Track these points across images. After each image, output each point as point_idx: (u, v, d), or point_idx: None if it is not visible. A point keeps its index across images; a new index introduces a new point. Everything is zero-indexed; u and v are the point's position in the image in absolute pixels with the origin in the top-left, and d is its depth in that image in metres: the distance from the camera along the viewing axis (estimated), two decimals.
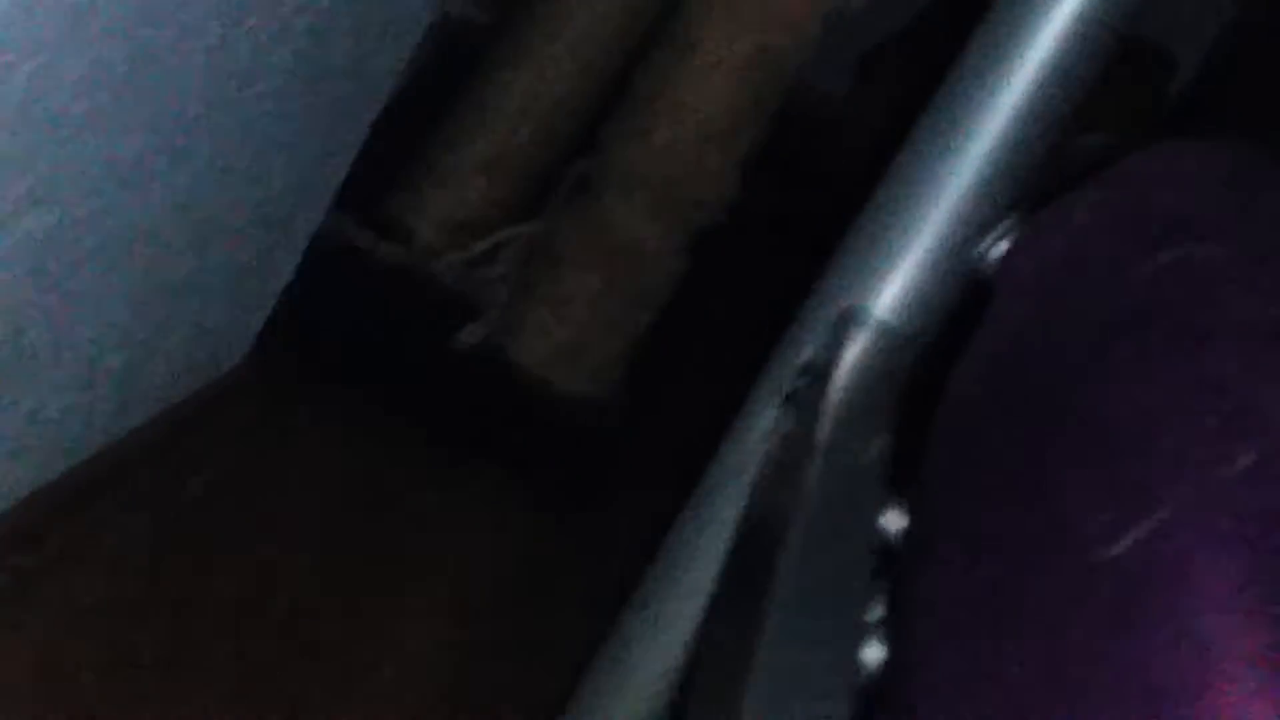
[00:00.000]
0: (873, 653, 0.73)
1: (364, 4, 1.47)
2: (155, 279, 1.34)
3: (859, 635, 0.74)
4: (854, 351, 1.00)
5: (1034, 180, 1.05)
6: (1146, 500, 0.54)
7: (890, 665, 0.73)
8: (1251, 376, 0.58)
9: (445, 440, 1.86)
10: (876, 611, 0.77)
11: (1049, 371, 0.75)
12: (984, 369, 0.89)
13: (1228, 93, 2.94)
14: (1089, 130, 2.84)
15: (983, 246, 1.02)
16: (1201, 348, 0.61)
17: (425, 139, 2.09)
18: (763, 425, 1.05)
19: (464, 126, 2.09)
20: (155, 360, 1.44)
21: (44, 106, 1.00)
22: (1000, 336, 0.88)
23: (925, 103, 1.11)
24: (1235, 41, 3.00)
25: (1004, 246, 1.01)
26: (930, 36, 3.06)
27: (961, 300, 1.05)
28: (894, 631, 0.75)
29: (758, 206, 2.16)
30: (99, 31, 1.02)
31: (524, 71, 2.09)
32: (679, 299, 2.05)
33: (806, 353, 1.04)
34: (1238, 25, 3.02)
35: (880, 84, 3.17)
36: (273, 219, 1.54)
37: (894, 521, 0.89)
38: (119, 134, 1.13)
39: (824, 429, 0.94)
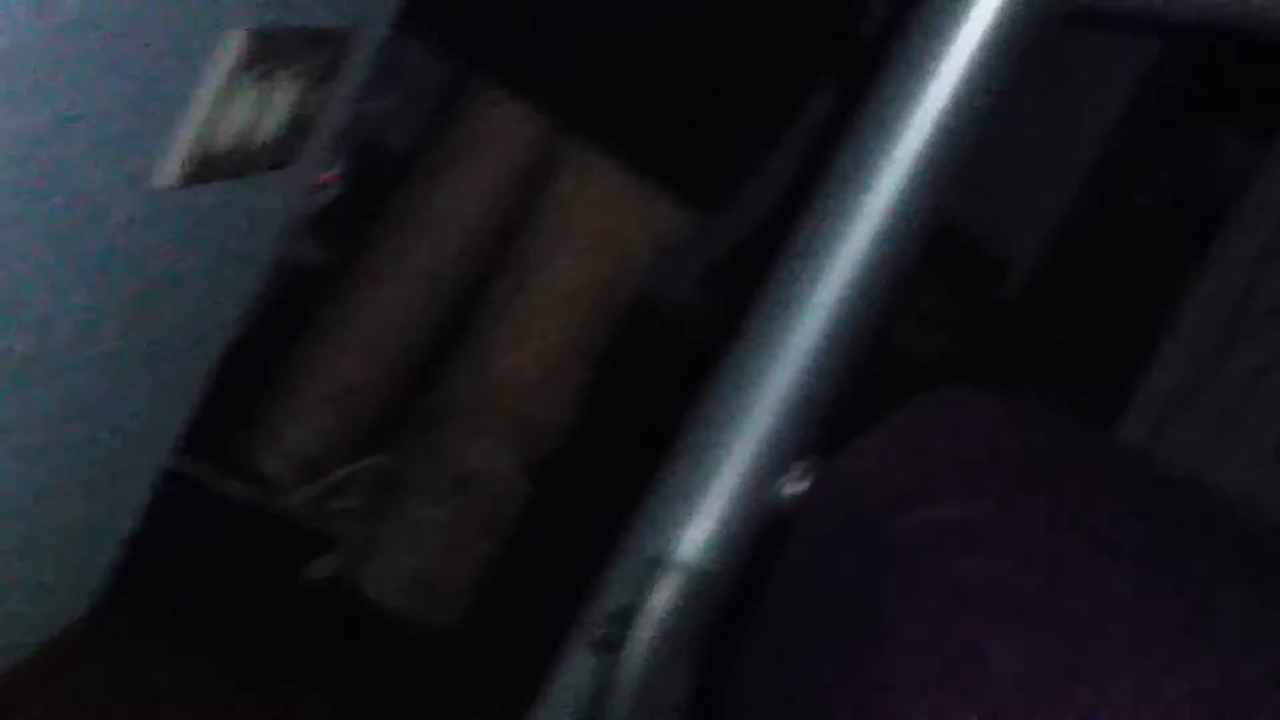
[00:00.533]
0: None
1: (198, 261, 1.51)
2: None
3: None
4: (659, 596, 1.03)
5: (835, 408, 1.10)
6: None
7: None
8: (980, 634, 0.63)
9: (294, 678, 1.87)
10: None
11: (821, 627, 0.79)
12: (774, 613, 0.93)
13: (1055, 291, 3.04)
14: (927, 334, 2.92)
15: (783, 484, 1.07)
16: (935, 610, 0.66)
17: (270, 378, 2.13)
18: (578, 670, 1.08)
19: (311, 362, 2.13)
20: None
21: None
22: (786, 582, 0.93)
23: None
24: (1067, 248, 3.11)
25: (798, 486, 1.06)
26: (760, 248, 3.15)
27: (767, 537, 1.09)
28: None
29: (603, 426, 2.20)
30: None
31: (365, 308, 2.14)
32: (524, 526, 2.09)
33: (620, 598, 1.08)
34: (1069, 232, 3.13)
35: (721, 293, 3.24)
36: (113, 472, 1.56)
37: None
38: None
39: (630, 672, 0.98)
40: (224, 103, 1.35)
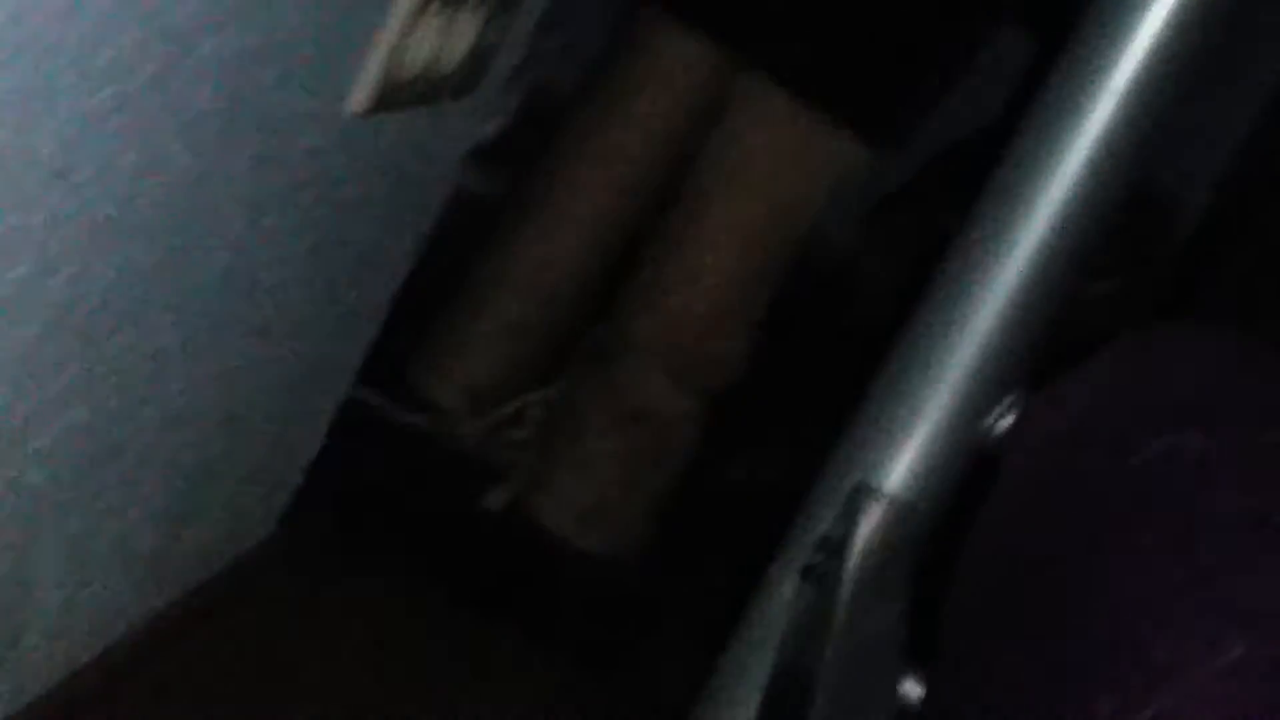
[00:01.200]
0: None
1: (382, 188, 1.51)
2: (185, 464, 1.37)
3: None
4: (867, 526, 1.02)
5: (1040, 348, 1.08)
6: (1145, 691, 0.57)
7: None
8: (1236, 569, 0.61)
9: (472, 606, 1.88)
10: None
11: (1050, 555, 0.77)
12: (991, 546, 0.92)
13: (1228, 243, 2.98)
14: (1098, 277, 2.88)
15: (989, 421, 1.05)
16: (1190, 541, 0.64)
17: (443, 310, 2.14)
18: (782, 598, 1.07)
19: (481, 296, 2.14)
20: (185, 540, 1.47)
21: (78, 310, 1.04)
22: (1005, 515, 0.91)
23: (932, 265, 1.14)
24: (1238, 189, 3.04)
25: (1009, 421, 1.04)
26: (936, 188, 3.12)
27: (971, 473, 1.07)
28: None
29: (774, 362, 2.19)
30: (126, 238, 1.06)
31: (538, 242, 2.13)
32: (700, 460, 2.08)
33: (822, 527, 1.07)
34: (1239, 173, 3.06)
35: (889, 234, 3.21)
36: (297, 398, 1.58)
37: (912, 690, 0.91)
38: (148, 331, 1.16)
39: (842, 602, 0.97)
40: (411, 32, 1.35)
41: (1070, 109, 1.02)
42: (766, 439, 2.38)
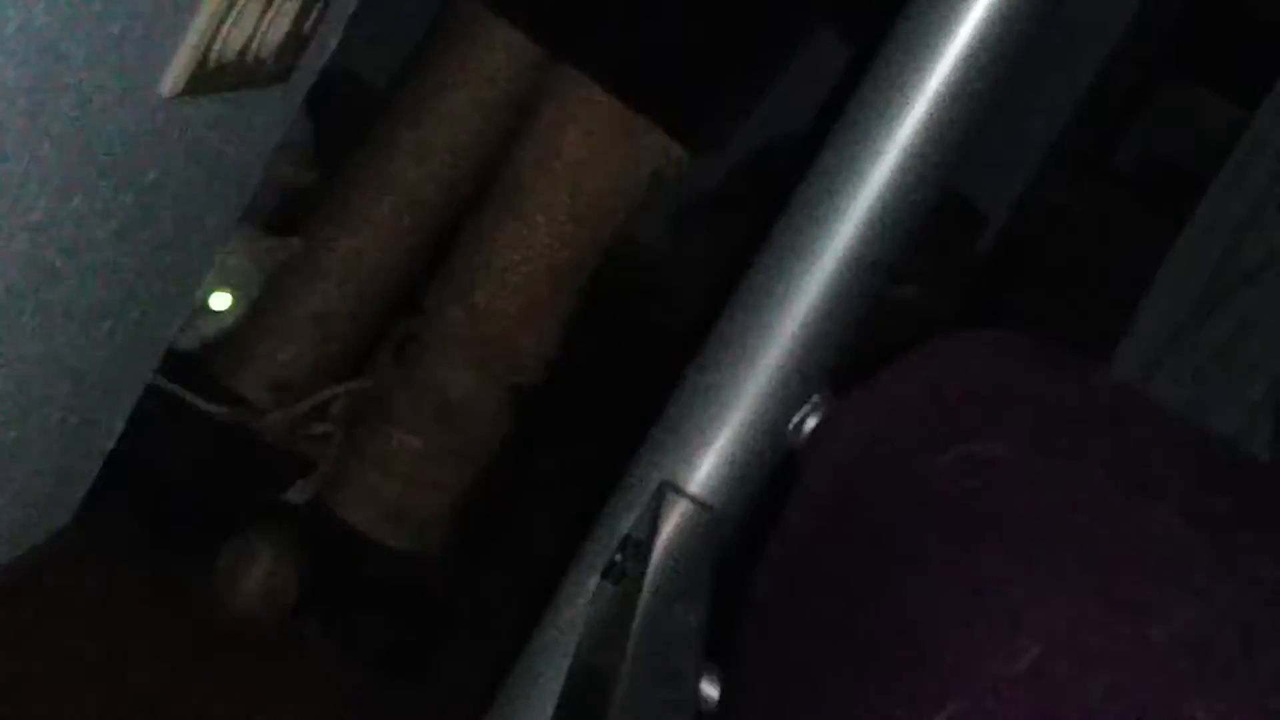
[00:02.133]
0: None
1: (190, 174, 1.49)
2: None
3: None
4: (670, 526, 1.03)
5: (845, 351, 1.09)
6: (938, 695, 0.58)
7: None
8: (1028, 572, 0.62)
9: None
10: None
11: (846, 560, 0.79)
12: (789, 550, 0.93)
13: (1031, 248, 3.05)
14: (901, 282, 2.93)
15: (793, 423, 1.06)
16: (979, 547, 0.65)
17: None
18: (582, 597, 1.07)
19: (289, 287, 2.11)
20: None
21: None
22: (804, 520, 0.93)
23: (739, 269, 1.14)
24: (1040, 199, 3.11)
25: (812, 424, 1.06)
26: (745, 192, 3.15)
27: (774, 474, 1.08)
28: None
29: (581, 361, 2.20)
30: None
31: (348, 232, 2.12)
32: (504, 457, 2.08)
33: (624, 526, 1.07)
34: (1041, 182, 3.13)
35: (698, 237, 3.24)
36: (96, 387, 1.55)
37: (710, 692, 0.92)
38: None
39: (643, 602, 0.97)
40: (227, 16, 1.33)
41: (881, 113, 1.04)
42: (570, 437, 2.39)
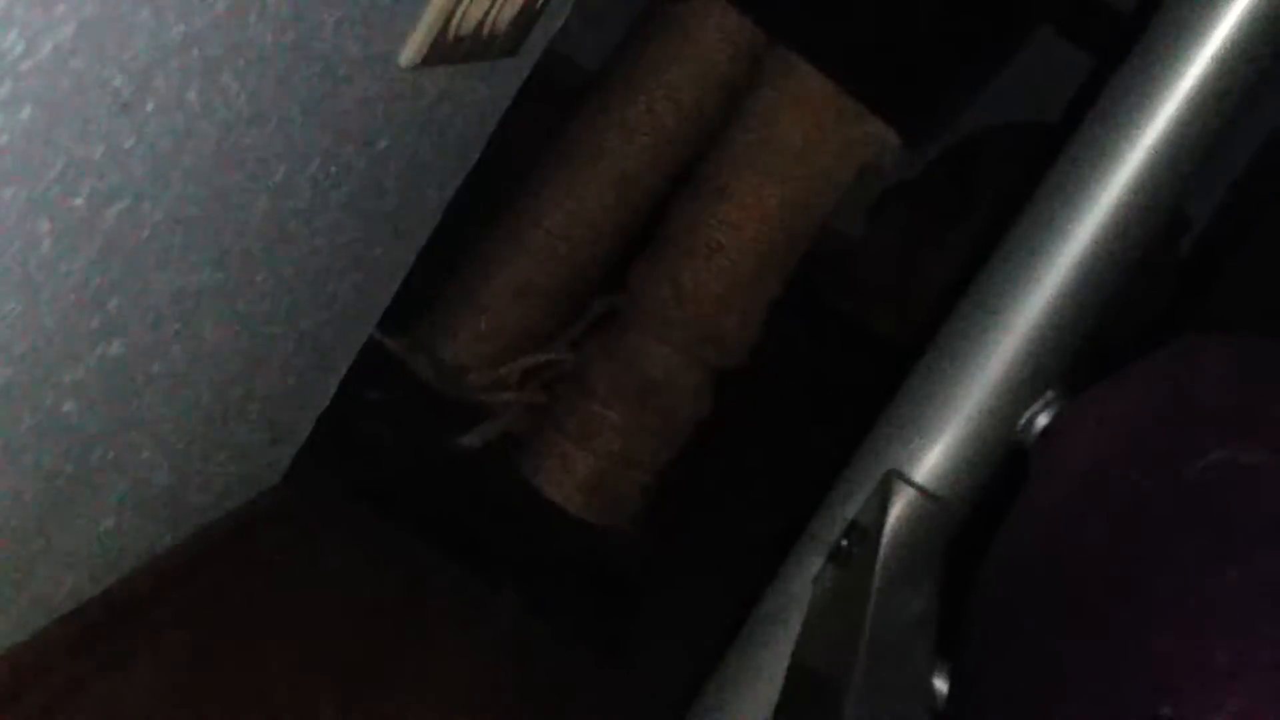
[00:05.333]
0: None
1: (419, 144, 1.51)
2: (204, 405, 1.37)
3: None
4: (898, 514, 1.03)
5: (1081, 350, 1.09)
6: (1212, 695, 0.58)
7: None
8: None
9: (470, 568, 1.89)
10: None
11: (1095, 561, 0.78)
12: (1022, 545, 0.92)
13: (1235, 253, 2.99)
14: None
15: (1024, 419, 1.06)
16: (1248, 547, 0.65)
17: (459, 265, 2.14)
18: (804, 580, 1.08)
19: (496, 257, 2.14)
20: (199, 481, 1.48)
21: (127, 243, 1.04)
22: (1039, 514, 0.92)
23: (936, 251, 1.14)
24: (1243, 202, 3.05)
25: (1044, 420, 1.05)
26: (939, 184, 3.12)
27: (1002, 470, 1.08)
28: None
29: (780, 347, 2.20)
30: (179, 175, 1.06)
31: (555, 207, 2.13)
32: (703, 440, 2.09)
33: (849, 512, 1.08)
34: (1245, 185, 3.07)
35: (894, 225, 3.22)
36: (318, 347, 1.58)
37: (942, 684, 0.92)
38: (187, 270, 1.17)
39: (872, 588, 0.97)
40: None
41: (1130, 117, 1.03)
42: (767, 420, 2.40)
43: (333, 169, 1.34)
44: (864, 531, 1.02)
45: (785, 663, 1.03)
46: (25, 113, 0.84)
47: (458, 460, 2.01)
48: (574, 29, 1.78)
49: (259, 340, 1.40)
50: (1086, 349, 1.10)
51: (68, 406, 1.10)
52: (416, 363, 2.02)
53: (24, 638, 1.28)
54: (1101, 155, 1.06)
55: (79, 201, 0.95)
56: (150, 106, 0.96)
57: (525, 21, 1.55)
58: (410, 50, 1.32)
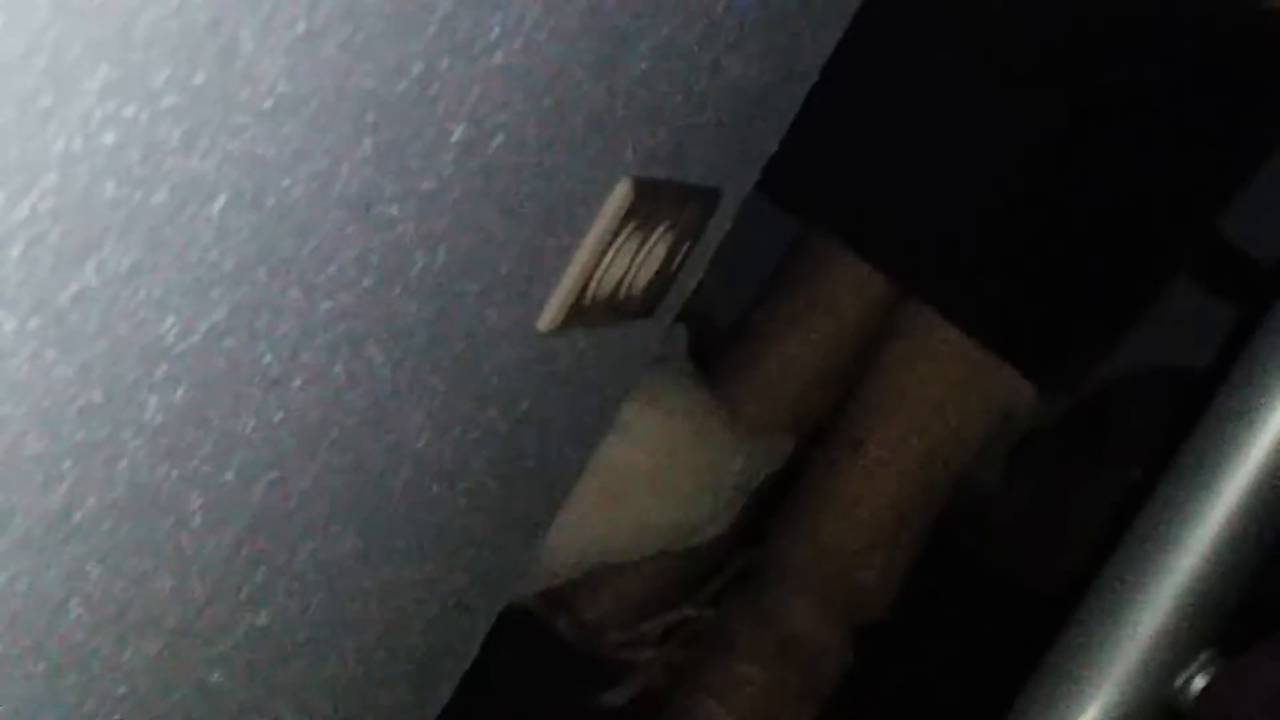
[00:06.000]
0: None
1: (557, 406, 1.53)
2: (350, 670, 1.38)
3: None
4: None
5: (1235, 609, 1.06)
6: None
7: None
8: None
9: None
10: None
11: None
12: None
13: None
14: None
15: (1180, 680, 1.04)
16: None
17: None
18: None
19: None
20: None
21: (274, 516, 1.05)
22: None
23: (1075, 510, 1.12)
24: None
25: (1201, 683, 1.03)
26: (1079, 430, 3.10)
27: None
28: None
29: (920, 600, 2.17)
30: (325, 447, 1.08)
31: None
32: (844, 699, 2.06)
33: None
34: None
35: (1030, 476, 3.19)
36: (461, 610, 1.58)
37: None
38: (331, 540, 1.18)
39: None
40: (605, 253, 1.38)
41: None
42: (910, 677, 2.36)
43: (475, 435, 1.35)
44: None
45: None
46: (179, 393, 0.86)
47: (600, 719, 1.99)
48: (709, 286, 1.80)
49: (401, 605, 1.41)
50: (1242, 606, 1.08)
51: (216, 677, 1.11)
52: (557, 621, 2.02)
53: None
54: (1251, 410, 1.05)
55: (229, 476, 0.97)
56: (298, 381, 0.98)
57: (661, 283, 1.57)
58: (548, 316, 1.35)
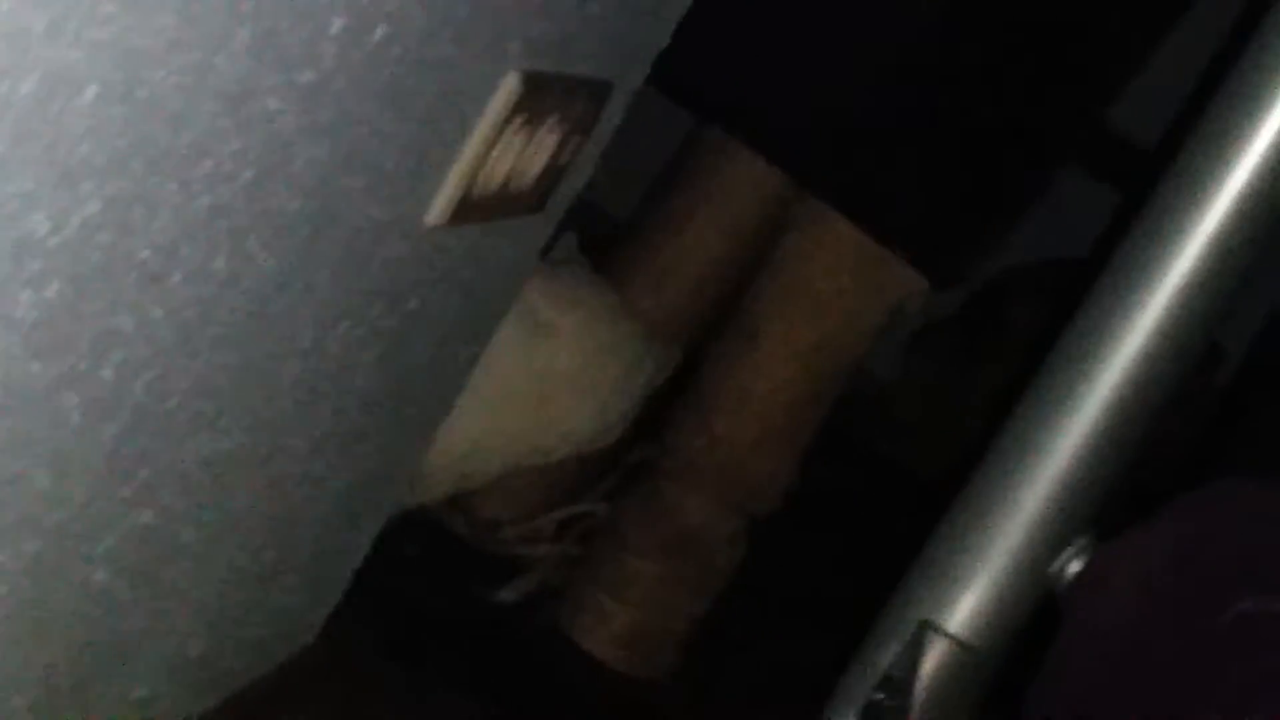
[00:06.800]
0: None
1: (447, 302, 1.52)
2: (238, 569, 1.38)
3: None
4: (931, 666, 1.02)
5: (1111, 495, 1.08)
6: None
7: None
8: None
9: None
10: None
11: (1131, 710, 0.77)
12: (1057, 695, 0.92)
13: (1273, 385, 2.97)
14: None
15: (1057, 565, 1.05)
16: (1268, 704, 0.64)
17: None
18: None
19: None
20: (233, 645, 1.47)
21: (157, 413, 1.05)
22: (1073, 665, 0.91)
23: (969, 391, 1.13)
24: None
25: (1076, 567, 1.04)
26: (974, 322, 3.13)
27: (1034, 618, 1.07)
28: None
29: (813, 490, 2.19)
30: (208, 343, 1.07)
31: None
32: (737, 587, 2.08)
33: (883, 664, 1.07)
34: None
35: (927, 368, 3.22)
36: (353, 507, 1.58)
37: None
38: (218, 436, 1.17)
39: None
40: (492, 147, 1.37)
41: (1156, 254, 1.03)
42: (803, 567, 2.39)
43: (362, 332, 1.35)
44: (897, 684, 1.01)
45: None
46: (52, 289, 0.85)
47: (495, 614, 2.00)
48: (603, 181, 1.80)
49: (291, 503, 1.41)
50: (1119, 490, 1.09)
51: (99, 577, 1.11)
52: (452, 518, 2.02)
53: None
54: (1129, 294, 1.06)
55: (107, 374, 0.96)
56: (177, 278, 0.97)
57: (552, 177, 1.56)
58: (436, 211, 1.34)
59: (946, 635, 1.04)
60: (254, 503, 1.32)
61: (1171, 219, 1.03)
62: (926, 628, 1.04)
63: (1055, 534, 1.06)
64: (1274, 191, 1.05)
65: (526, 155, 1.46)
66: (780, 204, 2.09)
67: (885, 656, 1.07)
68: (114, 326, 0.94)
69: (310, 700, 1.66)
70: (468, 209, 1.39)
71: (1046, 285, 2.88)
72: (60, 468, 0.97)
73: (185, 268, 0.98)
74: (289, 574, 1.52)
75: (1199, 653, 0.74)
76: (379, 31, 1.08)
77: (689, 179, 2.17)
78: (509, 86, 1.35)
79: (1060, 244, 2.63)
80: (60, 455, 0.96)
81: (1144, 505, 1.04)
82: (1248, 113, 1.03)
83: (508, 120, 1.37)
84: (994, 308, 3.04)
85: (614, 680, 1.99)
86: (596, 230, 2.30)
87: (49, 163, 0.79)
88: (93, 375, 0.94)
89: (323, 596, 1.68)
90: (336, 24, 1.02)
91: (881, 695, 1.03)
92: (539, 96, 1.42)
